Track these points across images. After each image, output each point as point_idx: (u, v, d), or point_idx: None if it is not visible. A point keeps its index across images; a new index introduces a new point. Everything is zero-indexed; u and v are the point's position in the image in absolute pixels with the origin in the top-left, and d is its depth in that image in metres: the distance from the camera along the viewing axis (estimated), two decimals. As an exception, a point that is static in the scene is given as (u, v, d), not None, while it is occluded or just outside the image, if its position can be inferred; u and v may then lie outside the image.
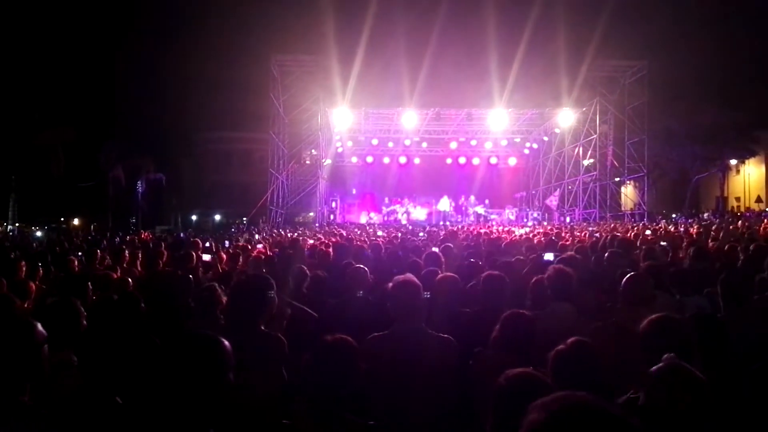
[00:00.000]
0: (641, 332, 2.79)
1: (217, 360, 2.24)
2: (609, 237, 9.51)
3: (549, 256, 6.52)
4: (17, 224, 34.26)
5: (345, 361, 2.53)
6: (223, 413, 2.26)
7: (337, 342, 2.63)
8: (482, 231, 17.13)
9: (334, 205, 36.78)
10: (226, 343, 2.31)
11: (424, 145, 37.58)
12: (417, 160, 38.60)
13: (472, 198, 36.58)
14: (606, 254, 6.95)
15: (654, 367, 2.19)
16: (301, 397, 2.45)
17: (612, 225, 23.75)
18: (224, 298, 4.19)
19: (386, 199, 37.02)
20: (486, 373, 3.25)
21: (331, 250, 8.63)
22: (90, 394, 2.50)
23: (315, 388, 2.46)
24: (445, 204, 35.95)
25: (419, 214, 36.49)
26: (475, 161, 38.85)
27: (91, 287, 4.95)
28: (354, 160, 39.11)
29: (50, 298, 4.63)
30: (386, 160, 38.50)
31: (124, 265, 8.30)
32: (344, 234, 16.60)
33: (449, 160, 39.04)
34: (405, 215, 35.64)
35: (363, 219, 35.79)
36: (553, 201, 35.90)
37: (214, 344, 2.27)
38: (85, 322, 3.22)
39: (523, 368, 2.30)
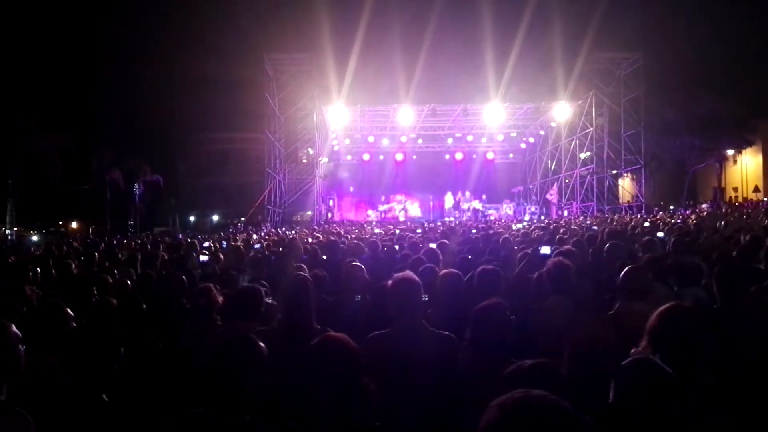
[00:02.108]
0: (650, 327, 2.73)
1: (257, 360, 2.49)
2: (606, 229, 9.50)
3: (546, 250, 6.52)
4: (15, 228, 34.14)
5: (344, 359, 2.52)
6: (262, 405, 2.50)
7: (333, 340, 2.62)
8: (480, 226, 17.14)
9: (331, 203, 36.77)
10: (263, 345, 2.56)
11: (420, 141, 37.54)
12: (414, 157, 38.57)
13: (468, 193, 36.62)
14: (606, 246, 6.95)
15: (622, 364, 2.16)
16: (306, 398, 2.47)
17: (609, 218, 23.78)
18: (220, 299, 4.20)
19: (383, 197, 37.04)
20: (466, 369, 3.26)
21: (318, 248, 8.61)
22: (78, 393, 2.51)
23: (318, 388, 2.46)
24: (450, 200, 36.05)
25: (416, 210, 36.52)
26: (473, 157, 38.84)
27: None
28: (349, 158, 39.09)
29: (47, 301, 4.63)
30: (382, 157, 38.48)
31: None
32: (341, 232, 16.59)
33: (447, 156, 39.02)
34: (402, 212, 35.65)
35: (360, 217, 35.81)
36: (552, 195, 35.95)
37: (255, 345, 2.53)
38: (73, 324, 3.22)
39: (535, 360, 2.29)
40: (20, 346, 2.47)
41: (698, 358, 2.56)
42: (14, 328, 2.48)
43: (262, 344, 2.54)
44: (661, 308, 2.79)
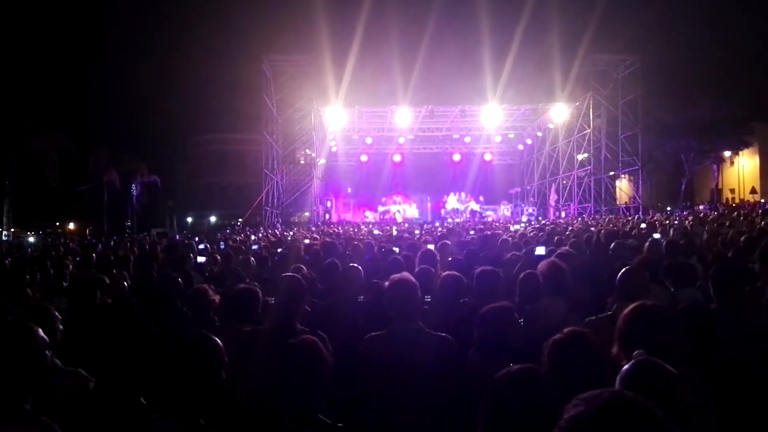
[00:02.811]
0: (618, 328, 2.65)
1: (213, 358, 2.36)
2: (603, 230, 9.53)
3: (540, 251, 6.53)
4: (12, 229, 34.06)
5: (310, 363, 2.51)
6: (215, 407, 2.37)
7: (301, 343, 2.61)
8: (478, 227, 17.17)
9: (329, 204, 36.77)
10: (220, 342, 2.43)
11: (416, 143, 37.52)
12: (411, 158, 38.59)
13: (463, 194, 36.70)
14: (612, 245, 6.97)
15: (625, 366, 2.13)
16: (275, 400, 2.46)
17: (606, 218, 23.82)
18: (217, 299, 4.19)
19: (383, 198, 37.10)
20: (475, 375, 3.25)
21: (320, 248, 8.61)
22: (111, 396, 2.48)
23: (285, 389, 2.46)
24: (453, 201, 36.13)
25: (413, 212, 36.57)
26: (470, 158, 38.88)
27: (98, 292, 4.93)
28: (347, 159, 39.11)
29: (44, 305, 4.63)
30: (380, 158, 38.49)
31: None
32: (340, 232, 16.59)
33: (445, 158, 39.04)
34: (400, 213, 35.69)
35: (358, 218, 35.85)
36: (554, 196, 36.02)
37: (210, 343, 2.40)
38: (61, 327, 3.18)
39: (523, 364, 2.28)
40: (47, 351, 2.37)
41: (672, 358, 2.52)
42: (41, 332, 2.38)
43: (218, 341, 2.42)
44: (626, 310, 2.71)
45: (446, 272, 4.89)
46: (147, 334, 2.64)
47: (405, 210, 36.29)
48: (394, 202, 36.72)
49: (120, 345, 2.56)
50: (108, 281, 5.56)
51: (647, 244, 7.40)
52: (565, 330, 2.67)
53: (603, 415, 1.13)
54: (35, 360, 2.31)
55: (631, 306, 2.72)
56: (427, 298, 4.40)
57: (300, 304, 3.64)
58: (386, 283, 3.72)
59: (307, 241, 12.11)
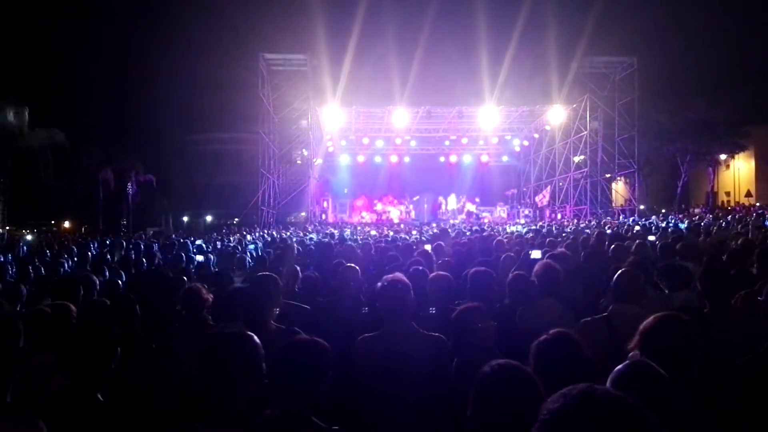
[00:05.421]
0: (642, 331, 2.68)
1: (257, 356, 2.24)
2: (598, 232, 9.54)
3: (536, 254, 6.53)
4: (7, 227, 33.93)
5: (312, 362, 2.42)
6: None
7: (305, 342, 2.52)
8: (474, 229, 17.17)
9: (325, 204, 36.72)
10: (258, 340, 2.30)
11: (413, 143, 37.48)
12: (407, 159, 38.57)
13: (459, 196, 36.78)
14: (612, 247, 6.97)
15: (618, 366, 2.14)
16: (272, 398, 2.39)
17: (602, 221, 23.87)
18: (210, 298, 4.17)
19: (375, 201, 37.08)
20: (457, 376, 3.26)
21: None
22: (75, 392, 2.49)
23: (280, 388, 2.39)
24: (453, 202, 36.16)
25: (410, 213, 36.59)
26: (467, 159, 38.91)
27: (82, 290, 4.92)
28: (345, 159, 39.07)
29: (45, 302, 4.61)
30: (377, 159, 38.47)
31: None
32: (336, 233, 16.57)
33: (442, 159, 39.04)
34: (397, 214, 35.68)
35: (355, 218, 35.82)
36: (543, 199, 36.02)
37: (251, 341, 2.27)
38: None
39: (506, 360, 2.27)
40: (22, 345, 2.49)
41: (687, 370, 2.53)
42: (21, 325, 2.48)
43: (257, 340, 2.26)
44: (660, 314, 2.73)
45: (434, 273, 4.90)
46: (108, 331, 2.66)
47: (401, 211, 36.29)
48: (391, 203, 36.71)
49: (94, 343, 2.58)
50: (100, 280, 5.55)
51: (634, 245, 7.40)
52: (551, 331, 2.69)
53: (581, 407, 1.18)
54: (19, 355, 2.41)
55: (667, 313, 2.76)
56: (432, 310, 4.41)
57: (274, 302, 3.59)
58: (378, 285, 3.71)
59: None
